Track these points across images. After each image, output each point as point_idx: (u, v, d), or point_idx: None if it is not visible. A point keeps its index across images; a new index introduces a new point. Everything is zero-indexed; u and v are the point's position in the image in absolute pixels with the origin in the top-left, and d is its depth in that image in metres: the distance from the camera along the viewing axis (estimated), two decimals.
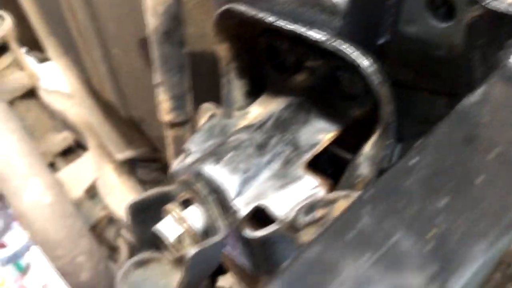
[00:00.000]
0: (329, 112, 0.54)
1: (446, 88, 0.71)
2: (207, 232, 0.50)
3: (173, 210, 0.50)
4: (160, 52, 0.54)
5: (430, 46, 0.66)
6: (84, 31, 0.94)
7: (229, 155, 0.52)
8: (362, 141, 0.54)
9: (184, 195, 0.52)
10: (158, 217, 0.52)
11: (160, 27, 0.52)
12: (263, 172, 0.52)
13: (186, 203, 0.53)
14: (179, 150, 0.57)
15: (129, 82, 0.94)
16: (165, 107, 0.58)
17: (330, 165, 0.65)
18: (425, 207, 0.24)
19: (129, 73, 0.91)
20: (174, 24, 0.52)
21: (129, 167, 1.36)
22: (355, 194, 0.51)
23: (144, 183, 1.45)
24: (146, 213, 0.54)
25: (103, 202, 1.34)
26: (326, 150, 0.56)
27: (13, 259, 2.70)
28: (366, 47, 0.55)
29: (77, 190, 1.34)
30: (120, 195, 1.28)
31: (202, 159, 0.53)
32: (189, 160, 0.55)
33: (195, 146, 0.56)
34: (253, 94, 0.63)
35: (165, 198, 0.54)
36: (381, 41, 0.56)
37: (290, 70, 0.56)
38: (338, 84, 0.53)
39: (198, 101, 0.84)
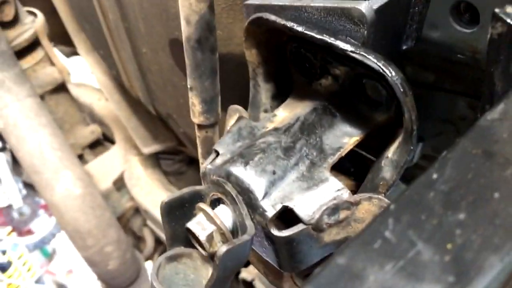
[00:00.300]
0: (354, 117, 0.57)
1: (467, 90, 0.72)
2: (236, 230, 0.53)
3: (205, 208, 0.53)
4: (192, 59, 0.56)
5: (453, 50, 0.67)
6: (114, 30, 0.98)
7: (257, 157, 0.55)
8: (384, 142, 0.57)
9: (215, 194, 0.55)
10: (189, 215, 0.55)
11: (193, 35, 0.55)
12: (290, 174, 0.54)
13: (216, 202, 0.56)
14: (209, 150, 0.60)
15: (158, 80, 0.97)
16: (195, 110, 0.61)
17: (352, 164, 0.68)
18: (445, 220, 0.26)
19: (158, 72, 0.94)
20: (206, 32, 0.55)
21: (155, 160, 1.40)
22: (377, 197, 0.53)
23: (167, 174, 1.49)
24: (179, 210, 0.57)
25: (129, 193, 1.39)
26: (350, 150, 0.59)
27: (40, 245, 2.79)
28: (390, 54, 0.56)
29: (105, 182, 1.39)
30: (146, 187, 1.33)
31: (231, 161, 0.56)
32: (219, 161, 0.58)
33: (225, 147, 0.59)
34: (279, 97, 0.65)
35: (197, 197, 0.57)
36: (405, 47, 0.58)
37: (316, 76, 0.58)
38: (363, 90, 0.55)
39: (224, 101, 0.87)
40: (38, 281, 2.55)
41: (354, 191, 0.63)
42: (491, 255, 0.24)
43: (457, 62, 0.71)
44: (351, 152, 0.61)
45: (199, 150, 0.66)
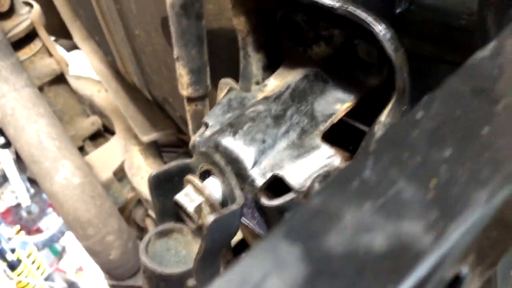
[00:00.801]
0: (346, 82, 0.54)
1: (467, 59, 0.69)
2: (226, 201, 0.51)
3: (193, 180, 0.52)
4: (177, 26, 0.54)
5: (449, 15, 0.65)
6: (107, 13, 0.96)
7: (246, 126, 0.53)
8: (377, 110, 0.54)
9: (203, 166, 0.53)
10: (179, 189, 0.54)
11: (177, 1, 0.53)
12: (280, 143, 0.52)
13: (206, 174, 0.54)
14: (199, 124, 0.58)
15: (152, 63, 0.95)
16: (183, 82, 0.59)
17: (348, 139, 0.66)
18: (429, 157, 0.24)
19: (152, 54, 0.92)
20: None
21: (155, 149, 1.38)
22: None
23: None
24: (168, 184, 0.55)
25: (130, 183, 1.38)
26: (343, 123, 0.57)
27: (49, 243, 2.79)
28: (384, 16, 0.54)
29: (106, 172, 1.37)
30: (147, 176, 1.31)
31: (220, 131, 0.54)
32: (208, 132, 0.56)
33: (214, 119, 0.57)
34: (270, 68, 0.63)
35: (186, 170, 0.55)
36: (399, 9, 0.56)
37: (307, 42, 0.56)
38: (355, 53, 0.53)
39: (216, 78, 0.85)
40: (47, 278, 2.56)
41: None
42: (478, 190, 0.22)
43: (455, 28, 0.68)
44: (348, 126, 0.59)
45: (189, 125, 0.64)
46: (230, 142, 0.52)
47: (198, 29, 0.56)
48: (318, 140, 0.52)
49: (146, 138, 1.27)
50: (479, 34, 0.38)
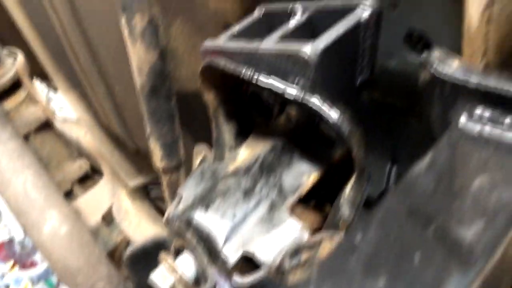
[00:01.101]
0: (311, 155, 0.56)
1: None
2: (199, 279, 0.53)
3: (166, 259, 0.53)
4: (148, 107, 0.57)
5: (411, 78, 0.67)
6: (87, 70, 0.98)
7: (218, 201, 0.55)
8: (345, 176, 0.56)
9: (177, 243, 0.55)
10: (155, 264, 0.55)
11: (146, 83, 0.55)
12: (250, 217, 0.54)
13: (180, 250, 0.55)
14: (175, 193, 0.60)
15: (134, 117, 0.97)
16: (156, 155, 0.61)
17: (326, 192, 0.67)
18: (365, 286, 0.26)
19: (133, 109, 0.94)
20: (160, 80, 0.55)
21: (143, 192, 1.40)
22: (338, 235, 0.53)
23: (158, 200, 1.49)
24: (144, 261, 0.57)
25: (119, 227, 1.39)
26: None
27: (44, 276, 2.78)
28: (344, 89, 0.56)
29: (95, 217, 1.38)
30: (135, 220, 1.32)
31: (192, 206, 0.56)
32: (181, 206, 0.58)
33: (188, 191, 0.59)
34: (243, 134, 0.66)
35: (161, 245, 0.57)
36: (360, 79, 0.58)
37: (273, 115, 0.58)
38: (317, 128, 0.55)
39: (193, 137, 0.87)
40: None
41: (321, 227, 0.63)
42: None
43: (418, 88, 0.71)
44: (323, 180, 0.61)
45: (166, 194, 0.66)
46: (201, 218, 0.54)
47: (169, 108, 0.58)
48: (286, 214, 0.54)
49: (133, 183, 1.28)
50: (425, 131, 0.41)
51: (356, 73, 0.57)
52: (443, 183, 0.32)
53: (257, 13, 0.64)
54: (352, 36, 0.53)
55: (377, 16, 0.52)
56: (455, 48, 0.57)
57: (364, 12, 0.52)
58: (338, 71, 0.54)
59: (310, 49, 0.49)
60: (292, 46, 0.50)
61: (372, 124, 0.65)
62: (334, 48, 0.52)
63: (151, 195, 1.44)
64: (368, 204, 0.56)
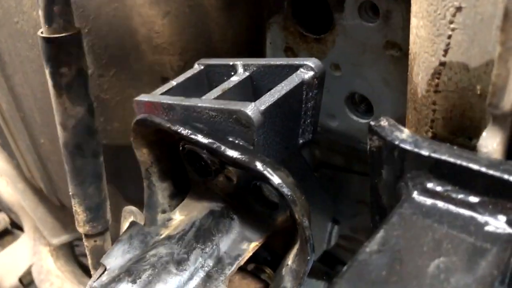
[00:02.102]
0: (252, 220, 0.52)
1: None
2: None
3: None
4: (71, 165, 0.51)
5: (352, 139, 0.66)
6: (9, 120, 0.91)
7: (146, 274, 0.49)
8: (289, 241, 0.53)
9: None
10: None
11: (70, 140, 0.50)
12: None
13: None
14: (99, 260, 0.53)
15: (58, 171, 0.90)
16: (80, 219, 0.55)
17: (269, 252, 0.63)
18: None
19: (58, 163, 0.87)
20: (86, 137, 0.50)
21: (67, 248, 1.28)
22: None
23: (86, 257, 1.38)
24: None
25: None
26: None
27: None
28: (286, 149, 0.54)
29: (11, 279, 1.25)
30: (57, 282, 1.20)
31: (118, 278, 0.49)
32: (105, 278, 0.51)
33: (113, 260, 0.53)
34: (177, 195, 0.61)
35: None
36: (301, 140, 0.56)
37: (211, 175, 0.54)
38: (258, 191, 0.51)
39: (123, 198, 0.80)
40: None
41: None
42: None
43: (361, 148, 0.70)
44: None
45: (89, 261, 0.59)
46: None
47: (96, 167, 0.53)
48: (223, 287, 0.49)
49: (57, 241, 1.17)
50: (373, 200, 0.38)
51: (299, 134, 0.55)
52: (396, 266, 0.29)
53: (197, 67, 0.61)
54: (294, 96, 0.51)
55: (320, 77, 0.51)
56: (398, 112, 0.57)
57: (307, 73, 0.50)
58: (280, 131, 0.52)
59: (251, 109, 0.47)
60: (233, 105, 0.48)
61: (313, 182, 0.63)
62: (276, 109, 0.49)
63: (76, 252, 1.33)
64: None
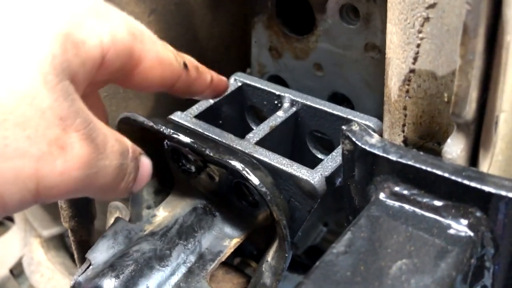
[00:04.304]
0: (233, 217, 0.54)
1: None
2: None
3: None
4: None
5: None
6: None
7: (129, 269, 0.50)
8: (270, 236, 0.54)
9: None
10: None
11: None
12: (165, 286, 0.50)
13: None
14: (84, 255, 0.54)
15: None
16: (65, 214, 0.56)
17: (254, 246, 0.64)
18: None
19: None
20: None
21: (58, 240, 1.29)
22: None
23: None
24: None
25: (29, 280, 1.27)
26: None
27: None
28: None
29: (1, 269, 1.26)
30: (47, 273, 1.22)
31: (102, 273, 0.50)
32: (90, 273, 0.52)
33: (98, 255, 0.54)
34: (162, 191, 0.62)
35: None
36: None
37: (194, 173, 0.56)
38: (240, 189, 0.52)
39: None
40: None
41: None
42: None
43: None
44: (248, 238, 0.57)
45: (75, 255, 0.60)
46: (111, 287, 0.49)
47: None
48: (205, 283, 0.50)
49: (47, 232, 1.18)
50: (347, 201, 0.39)
51: (337, 180, 0.50)
52: (360, 267, 0.30)
53: (234, 83, 0.60)
54: None
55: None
56: (378, 111, 0.58)
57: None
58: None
59: (319, 181, 0.44)
60: (296, 170, 0.45)
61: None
62: (336, 173, 0.47)
63: (67, 243, 1.34)
64: (293, 261, 0.54)
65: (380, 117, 0.49)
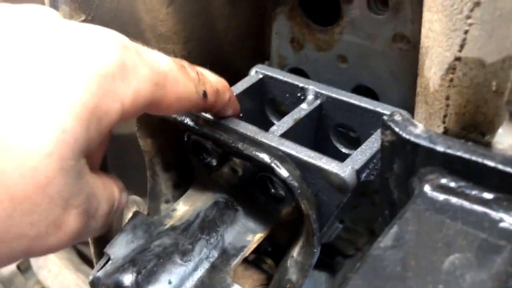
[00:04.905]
0: (256, 211, 0.52)
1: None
2: None
3: None
4: None
5: None
6: None
7: (151, 264, 0.49)
8: (294, 232, 0.52)
9: None
10: None
11: None
12: (188, 282, 0.48)
13: None
14: (101, 250, 0.53)
15: None
16: None
17: (270, 243, 0.63)
18: None
19: None
20: None
21: None
22: None
23: (82, 244, 1.37)
24: None
25: (36, 275, 1.26)
26: None
27: None
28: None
29: (9, 265, 1.25)
30: (54, 269, 1.20)
31: (122, 269, 0.49)
32: (109, 268, 0.51)
33: (117, 250, 0.52)
34: (181, 186, 0.60)
35: None
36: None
37: (215, 166, 0.54)
38: (264, 183, 0.51)
39: (126, 187, 0.80)
40: None
41: (266, 285, 0.59)
42: None
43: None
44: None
45: (92, 250, 0.59)
46: (132, 283, 0.48)
47: None
48: (229, 279, 0.49)
49: None
50: (383, 194, 0.38)
51: (363, 175, 0.48)
52: (411, 262, 0.29)
53: (255, 75, 0.59)
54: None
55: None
56: (404, 105, 0.56)
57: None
58: None
59: (350, 174, 0.42)
60: (325, 163, 0.43)
61: None
62: (365, 166, 0.45)
63: None
64: None
65: (407, 109, 0.47)
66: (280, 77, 0.57)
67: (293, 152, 0.46)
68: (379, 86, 0.57)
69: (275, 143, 0.48)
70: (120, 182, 0.43)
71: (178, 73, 0.39)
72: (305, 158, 0.46)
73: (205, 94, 0.43)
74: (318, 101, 0.55)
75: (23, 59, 0.30)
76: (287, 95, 0.58)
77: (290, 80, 0.56)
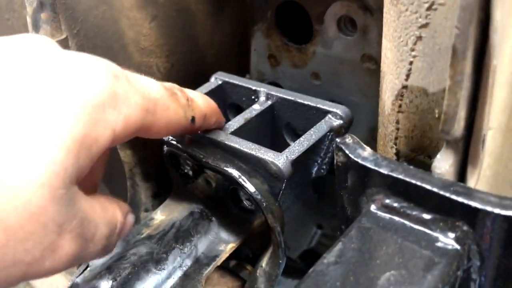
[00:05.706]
0: (230, 222, 0.55)
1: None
2: None
3: None
4: None
5: None
6: None
7: (127, 272, 0.51)
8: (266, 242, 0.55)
9: None
10: None
11: None
12: None
13: None
14: None
15: None
16: None
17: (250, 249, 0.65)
18: None
19: None
20: None
21: None
22: None
23: None
24: None
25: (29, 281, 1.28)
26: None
27: None
28: (301, 185, 0.52)
29: None
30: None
31: (100, 275, 0.52)
32: (88, 274, 0.53)
33: None
34: (160, 195, 0.63)
35: None
36: (315, 175, 0.53)
37: (191, 178, 0.57)
38: (236, 196, 0.53)
39: (112, 193, 0.82)
40: None
41: None
42: None
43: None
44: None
45: None
46: None
47: None
48: (200, 287, 0.51)
49: None
50: (340, 210, 0.40)
51: (316, 171, 0.54)
52: (350, 278, 0.31)
53: (214, 81, 0.62)
54: (320, 143, 0.51)
55: (347, 126, 0.52)
56: (373, 121, 0.59)
57: (336, 121, 0.51)
58: (301, 174, 0.51)
59: (284, 163, 0.46)
60: (264, 154, 0.47)
61: (309, 195, 0.63)
62: (303, 157, 0.49)
63: None
64: (288, 266, 0.55)
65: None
66: (236, 82, 0.60)
67: (237, 146, 0.49)
68: (349, 102, 0.59)
69: (221, 138, 0.50)
70: (126, 205, 0.43)
71: (168, 100, 0.41)
72: (247, 150, 0.49)
73: (193, 119, 0.44)
74: (269, 102, 0.57)
75: (13, 92, 0.32)
76: (244, 98, 0.60)
77: (244, 84, 0.59)
